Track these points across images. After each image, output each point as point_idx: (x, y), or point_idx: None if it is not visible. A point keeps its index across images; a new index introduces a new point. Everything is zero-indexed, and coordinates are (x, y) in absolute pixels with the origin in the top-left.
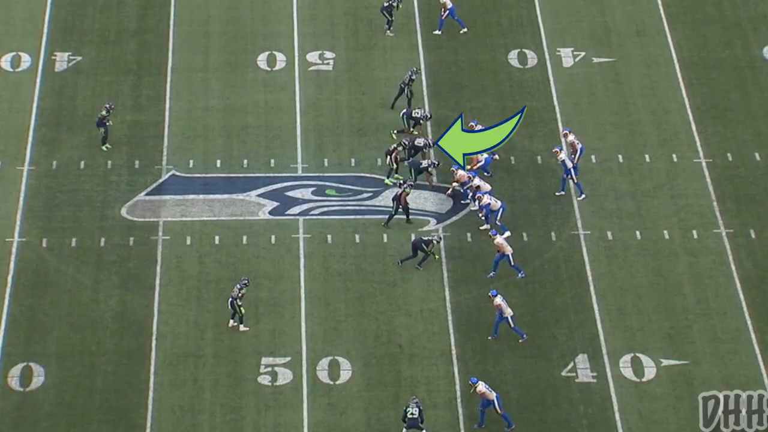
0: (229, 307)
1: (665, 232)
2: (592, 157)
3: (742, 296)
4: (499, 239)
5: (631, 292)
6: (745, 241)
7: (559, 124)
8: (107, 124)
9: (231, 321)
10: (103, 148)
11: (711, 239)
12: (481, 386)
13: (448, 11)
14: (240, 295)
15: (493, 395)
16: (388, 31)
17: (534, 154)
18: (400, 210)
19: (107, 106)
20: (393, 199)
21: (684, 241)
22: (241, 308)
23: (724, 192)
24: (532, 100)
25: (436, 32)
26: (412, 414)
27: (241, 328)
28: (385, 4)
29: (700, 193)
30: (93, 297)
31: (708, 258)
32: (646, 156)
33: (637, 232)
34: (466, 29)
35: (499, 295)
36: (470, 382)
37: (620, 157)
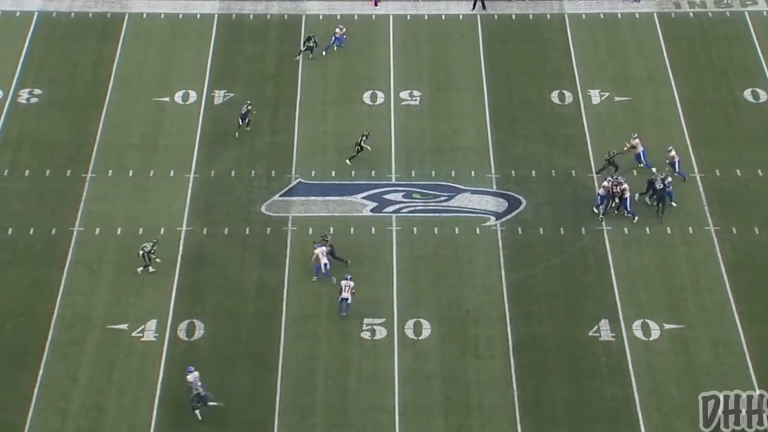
0: (141, 257)
1: (668, 228)
2: (634, 171)
3: (725, 277)
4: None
5: (641, 274)
6: (728, 236)
7: (589, 147)
8: (249, 113)
9: (140, 268)
10: (247, 128)
11: (703, 234)
12: (190, 377)
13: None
14: (152, 250)
15: None
16: (298, 57)
17: (569, 168)
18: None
19: (247, 102)
20: None
21: (682, 235)
22: (155, 259)
23: (712, 199)
24: (568, 128)
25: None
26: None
27: (150, 269)
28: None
29: (694, 199)
30: (239, 272)
31: (700, 248)
32: (654, 169)
33: (647, 228)
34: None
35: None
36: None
37: (634, 171)
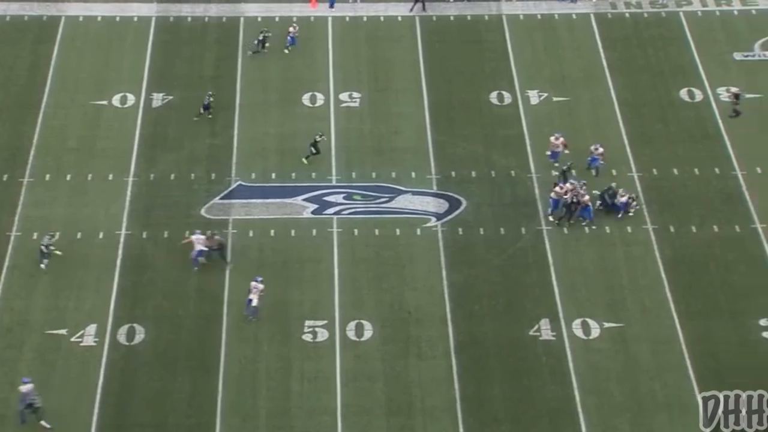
0: (40, 254)
1: (606, 228)
2: (553, 171)
3: (664, 276)
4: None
5: (581, 273)
6: (666, 234)
7: (528, 148)
8: (211, 104)
9: (42, 264)
10: (209, 116)
11: (641, 233)
12: (24, 388)
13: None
14: (49, 243)
15: None
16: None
17: (509, 169)
18: None
19: (209, 93)
20: None
21: (621, 234)
22: (54, 251)
23: (650, 198)
24: (508, 129)
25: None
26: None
27: (42, 266)
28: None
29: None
30: (180, 275)
31: (639, 247)
32: (593, 171)
33: (586, 228)
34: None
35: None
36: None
37: (574, 172)
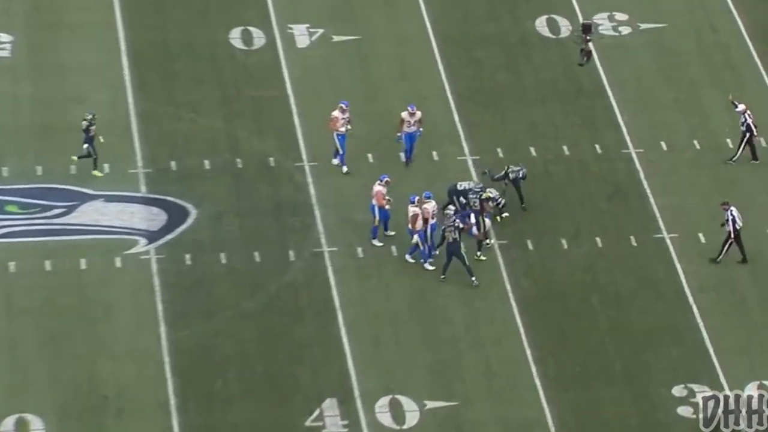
0: None
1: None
2: (333, 160)
3: (519, 321)
4: None
5: (387, 320)
6: (521, 254)
7: (295, 117)
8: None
9: None
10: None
11: (483, 253)
12: None
13: None
14: None
15: None
16: None
17: (264, 155)
18: None
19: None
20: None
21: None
22: None
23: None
24: (261, 88)
25: None
26: None
27: None
28: None
29: None
30: None
31: (478, 275)
32: (401, 154)
33: (393, 247)
34: None
35: None
36: None
37: (369, 156)
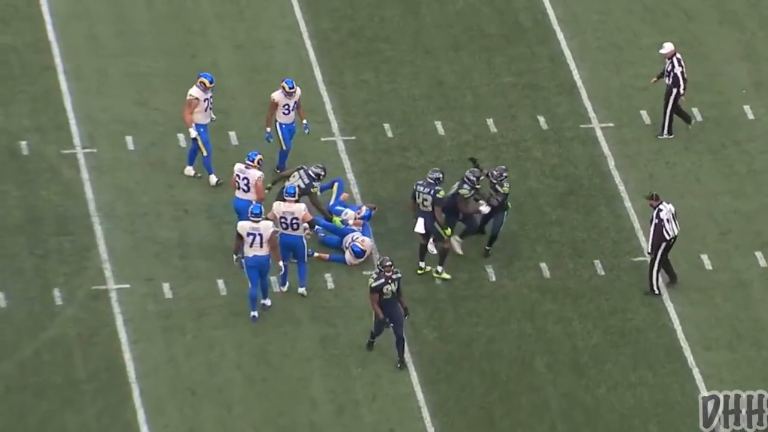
0: None
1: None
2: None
3: (419, 394)
4: None
5: (210, 396)
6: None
7: (61, 77)
8: None
9: None
10: None
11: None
12: None
13: None
14: None
15: None
16: None
17: (15, 138)
18: None
19: None
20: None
21: (325, 292)
22: None
23: (381, 204)
24: (5, 33)
25: None
26: None
27: None
28: None
29: None
30: None
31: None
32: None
33: (220, 282)
34: None
35: None
36: None
37: (181, 137)
